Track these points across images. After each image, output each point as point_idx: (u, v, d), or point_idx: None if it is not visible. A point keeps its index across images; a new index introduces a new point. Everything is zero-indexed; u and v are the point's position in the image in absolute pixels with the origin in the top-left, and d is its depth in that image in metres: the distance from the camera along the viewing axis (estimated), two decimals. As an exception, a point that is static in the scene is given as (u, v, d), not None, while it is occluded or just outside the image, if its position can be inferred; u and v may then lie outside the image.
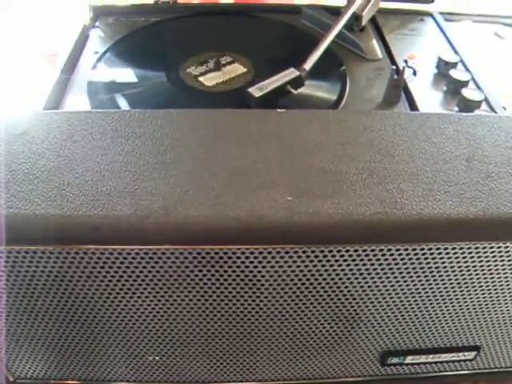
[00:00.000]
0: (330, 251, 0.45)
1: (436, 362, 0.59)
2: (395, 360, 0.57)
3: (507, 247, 0.46)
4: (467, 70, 0.68)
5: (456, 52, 0.73)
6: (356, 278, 0.47)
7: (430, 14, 0.84)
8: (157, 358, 0.56)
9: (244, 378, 0.59)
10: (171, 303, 0.49)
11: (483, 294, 0.51)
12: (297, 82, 0.63)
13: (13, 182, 0.45)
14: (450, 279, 0.48)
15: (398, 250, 0.45)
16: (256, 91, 0.60)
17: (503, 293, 0.51)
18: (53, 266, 0.45)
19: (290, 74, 0.63)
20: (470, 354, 0.58)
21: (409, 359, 0.57)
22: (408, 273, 0.47)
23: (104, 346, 0.54)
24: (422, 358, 0.57)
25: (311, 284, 0.47)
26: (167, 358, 0.56)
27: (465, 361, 0.59)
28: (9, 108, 0.58)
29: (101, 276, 0.46)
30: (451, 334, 0.55)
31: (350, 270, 0.46)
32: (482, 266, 0.48)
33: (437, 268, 0.47)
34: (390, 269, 0.47)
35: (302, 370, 0.58)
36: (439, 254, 0.46)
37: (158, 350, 0.55)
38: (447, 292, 0.50)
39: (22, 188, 0.45)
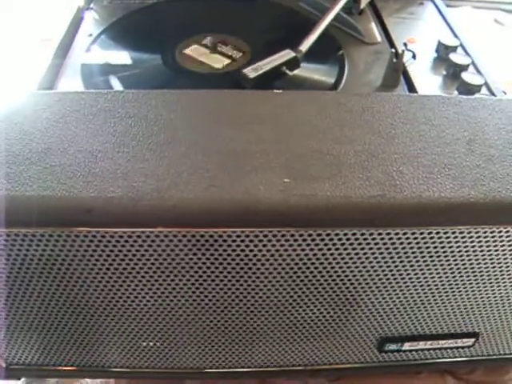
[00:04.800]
0: (328, 235, 0.44)
1: (434, 349, 0.58)
2: (393, 346, 0.57)
3: (508, 231, 0.45)
4: (467, 54, 0.67)
5: (456, 36, 0.72)
6: (354, 263, 0.46)
7: (429, -2, 0.83)
8: (151, 344, 0.55)
9: (240, 364, 0.58)
10: (165, 287, 0.48)
11: (483, 279, 0.50)
12: (292, 64, 0.62)
13: (3, 164, 0.44)
14: (449, 264, 0.47)
15: (396, 233, 0.44)
16: (251, 72, 0.59)
17: (503, 278, 0.50)
18: (44, 249, 0.44)
19: (286, 55, 0.62)
20: (469, 341, 0.57)
21: (407, 346, 0.57)
22: (407, 257, 0.46)
23: (98, 331, 0.53)
24: (420, 345, 0.57)
25: (308, 268, 0.47)
26: (162, 343, 0.55)
27: (463, 347, 0.58)
28: (1, 90, 0.57)
29: (93, 259, 0.45)
30: (450, 321, 0.54)
31: (348, 254, 0.45)
32: (482, 251, 0.47)
33: (436, 253, 0.46)
34: (389, 253, 0.46)
35: (298, 356, 0.57)
36: (439, 238, 0.45)
37: (153, 336, 0.54)
38: (447, 277, 0.49)
39: (13, 169, 0.44)
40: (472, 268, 0.48)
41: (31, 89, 0.60)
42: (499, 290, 0.51)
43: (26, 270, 0.47)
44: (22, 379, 0.62)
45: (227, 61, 0.66)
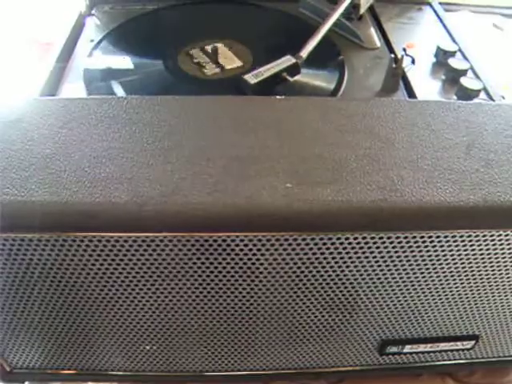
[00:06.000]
0: (330, 239, 0.44)
1: (434, 352, 0.58)
2: (394, 349, 0.57)
3: (507, 235, 0.46)
4: (466, 58, 0.68)
5: (454, 41, 0.72)
6: (355, 266, 0.47)
7: (428, 3, 0.83)
8: (154, 348, 0.55)
9: (241, 367, 0.59)
10: (169, 291, 0.48)
11: (483, 282, 0.50)
12: (293, 70, 0.63)
13: (8, 169, 0.44)
14: (449, 267, 0.48)
15: (397, 237, 0.45)
16: (251, 78, 0.60)
17: (503, 281, 0.51)
18: (49, 254, 0.45)
19: (286, 61, 0.63)
20: (469, 343, 0.58)
21: (407, 348, 0.57)
22: (408, 261, 0.47)
23: (100, 335, 0.54)
24: (421, 347, 0.57)
25: (310, 272, 0.47)
26: (164, 347, 0.55)
27: (463, 350, 0.59)
28: (4, 95, 0.57)
29: (97, 264, 0.46)
30: (450, 323, 0.55)
31: (350, 257, 0.46)
32: (481, 255, 0.47)
33: (436, 256, 0.47)
34: (390, 257, 0.46)
35: (299, 358, 0.58)
36: (439, 241, 0.45)
37: (155, 340, 0.54)
38: (447, 280, 0.49)
39: (18, 175, 0.44)
40: (472, 271, 0.49)
41: (34, 94, 0.61)
42: (499, 293, 0.52)
43: (31, 275, 0.47)
44: (26, 383, 0.62)
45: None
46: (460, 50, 0.69)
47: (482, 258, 0.48)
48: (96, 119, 0.49)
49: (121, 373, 0.59)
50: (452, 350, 0.59)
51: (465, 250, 0.47)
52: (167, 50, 0.69)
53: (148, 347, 0.55)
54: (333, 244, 0.45)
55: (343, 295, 0.50)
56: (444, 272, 0.49)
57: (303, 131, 0.49)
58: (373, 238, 0.45)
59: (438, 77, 0.66)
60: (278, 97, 0.53)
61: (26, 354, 0.57)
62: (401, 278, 0.49)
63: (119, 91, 0.62)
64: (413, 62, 0.68)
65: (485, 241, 0.46)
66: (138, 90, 0.63)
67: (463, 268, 0.48)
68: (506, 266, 0.49)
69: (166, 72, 0.66)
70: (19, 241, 0.44)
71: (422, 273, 0.48)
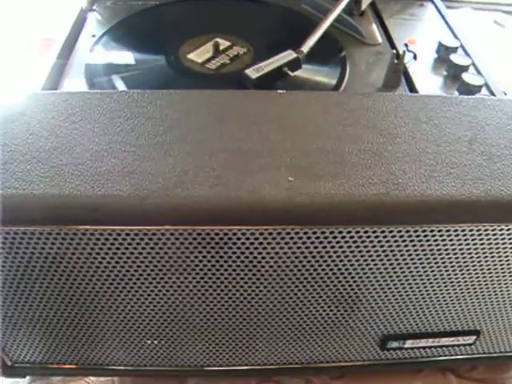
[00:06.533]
0: (332, 232, 0.44)
1: (436, 347, 0.58)
2: (395, 344, 0.57)
3: (509, 229, 0.46)
4: (467, 54, 0.68)
5: (456, 37, 0.72)
6: (357, 260, 0.47)
7: (429, 0, 0.83)
8: (155, 342, 0.55)
9: (243, 362, 0.59)
10: (170, 285, 0.48)
11: (484, 277, 0.50)
12: (294, 64, 0.63)
13: (10, 163, 0.44)
14: (451, 262, 0.48)
15: (399, 231, 0.45)
16: (253, 72, 0.60)
17: (504, 276, 0.51)
18: (51, 247, 0.45)
19: (288, 56, 0.63)
20: (470, 339, 0.58)
21: (409, 343, 0.57)
22: (409, 255, 0.47)
23: (102, 329, 0.54)
24: (422, 343, 0.57)
25: (312, 266, 0.47)
26: (165, 341, 0.55)
27: (464, 345, 0.59)
28: (6, 90, 0.57)
29: (99, 257, 0.46)
30: (452, 318, 0.55)
31: (351, 251, 0.46)
32: (483, 249, 0.47)
33: (438, 250, 0.47)
34: (392, 251, 0.46)
35: (301, 353, 0.58)
36: (441, 235, 0.45)
37: (157, 334, 0.54)
38: (448, 275, 0.49)
39: (20, 168, 0.44)
40: (473, 266, 0.49)
41: (35, 89, 0.61)
42: (500, 288, 0.52)
43: (33, 269, 0.47)
44: (27, 377, 0.62)
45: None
46: (462, 46, 0.69)
47: (484, 253, 0.48)
48: (98, 113, 0.49)
49: (122, 367, 0.59)
50: (453, 346, 0.59)
51: (467, 245, 0.47)
52: (169, 45, 0.69)
53: (149, 342, 0.55)
54: (335, 238, 0.45)
55: (345, 289, 0.50)
56: (446, 266, 0.49)
57: (305, 125, 0.49)
58: (374, 231, 0.45)
59: (440, 72, 0.66)
60: (279, 91, 0.53)
61: (27, 349, 0.57)
62: (402, 272, 0.49)
63: (121, 86, 0.62)
64: (414, 57, 0.68)
65: (487, 235, 0.46)
66: (139, 84, 0.63)
67: (465, 262, 0.48)
68: (508, 260, 0.49)
69: (167, 67, 0.66)
70: (21, 234, 0.44)
71: (424, 267, 0.48)
